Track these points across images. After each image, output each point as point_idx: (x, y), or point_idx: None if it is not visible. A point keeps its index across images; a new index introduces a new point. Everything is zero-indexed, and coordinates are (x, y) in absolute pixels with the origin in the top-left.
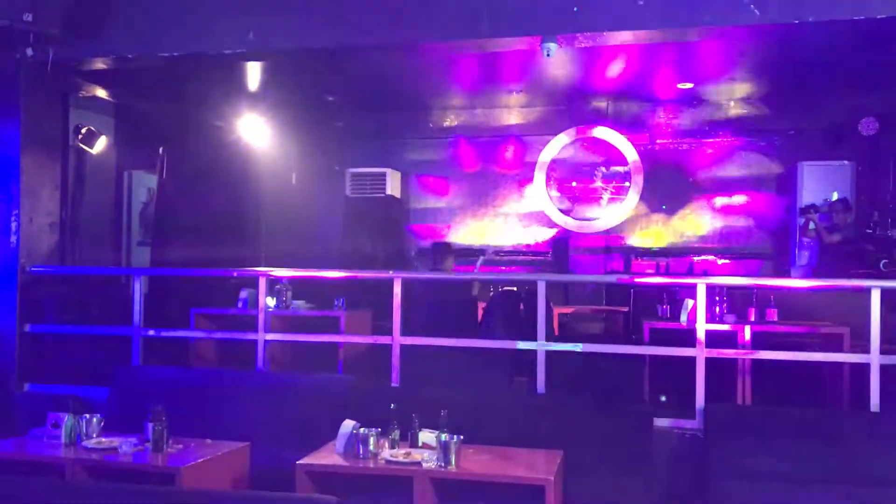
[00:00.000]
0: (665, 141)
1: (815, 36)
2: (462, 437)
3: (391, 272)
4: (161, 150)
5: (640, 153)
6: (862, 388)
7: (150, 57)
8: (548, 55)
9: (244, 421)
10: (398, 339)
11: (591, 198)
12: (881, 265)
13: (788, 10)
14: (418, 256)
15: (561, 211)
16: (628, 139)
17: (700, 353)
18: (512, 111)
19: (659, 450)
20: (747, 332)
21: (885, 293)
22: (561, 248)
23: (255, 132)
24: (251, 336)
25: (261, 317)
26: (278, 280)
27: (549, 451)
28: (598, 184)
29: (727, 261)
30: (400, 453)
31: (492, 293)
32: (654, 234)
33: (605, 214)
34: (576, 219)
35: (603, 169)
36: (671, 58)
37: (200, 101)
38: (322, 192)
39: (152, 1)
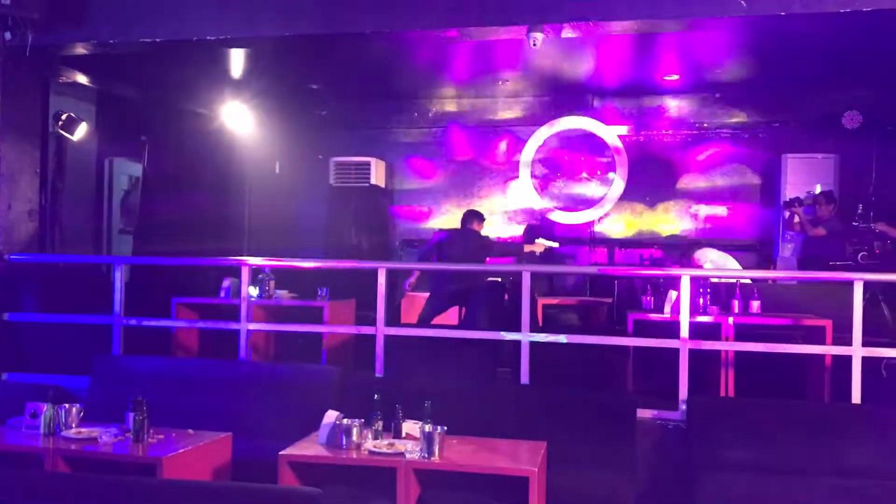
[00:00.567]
0: (649, 132)
1: (801, 28)
2: (446, 427)
3: (375, 263)
4: (144, 139)
5: (624, 144)
6: (844, 380)
7: (132, 42)
8: (534, 45)
9: (226, 411)
10: (382, 330)
11: (575, 188)
12: (859, 257)
13: (775, 2)
14: (402, 246)
15: (543, 199)
16: (613, 130)
17: (683, 345)
18: (498, 101)
19: (642, 441)
20: (731, 324)
21: (867, 286)
22: (544, 236)
23: (239, 120)
24: (233, 326)
25: (243, 306)
26: (261, 269)
27: (533, 443)
28: (583, 175)
29: None
30: (383, 444)
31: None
32: (638, 225)
33: (589, 205)
34: (559, 209)
35: (586, 159)
36: (658, 49)
37: (183, 88)
38: (306, 181)
39: None
